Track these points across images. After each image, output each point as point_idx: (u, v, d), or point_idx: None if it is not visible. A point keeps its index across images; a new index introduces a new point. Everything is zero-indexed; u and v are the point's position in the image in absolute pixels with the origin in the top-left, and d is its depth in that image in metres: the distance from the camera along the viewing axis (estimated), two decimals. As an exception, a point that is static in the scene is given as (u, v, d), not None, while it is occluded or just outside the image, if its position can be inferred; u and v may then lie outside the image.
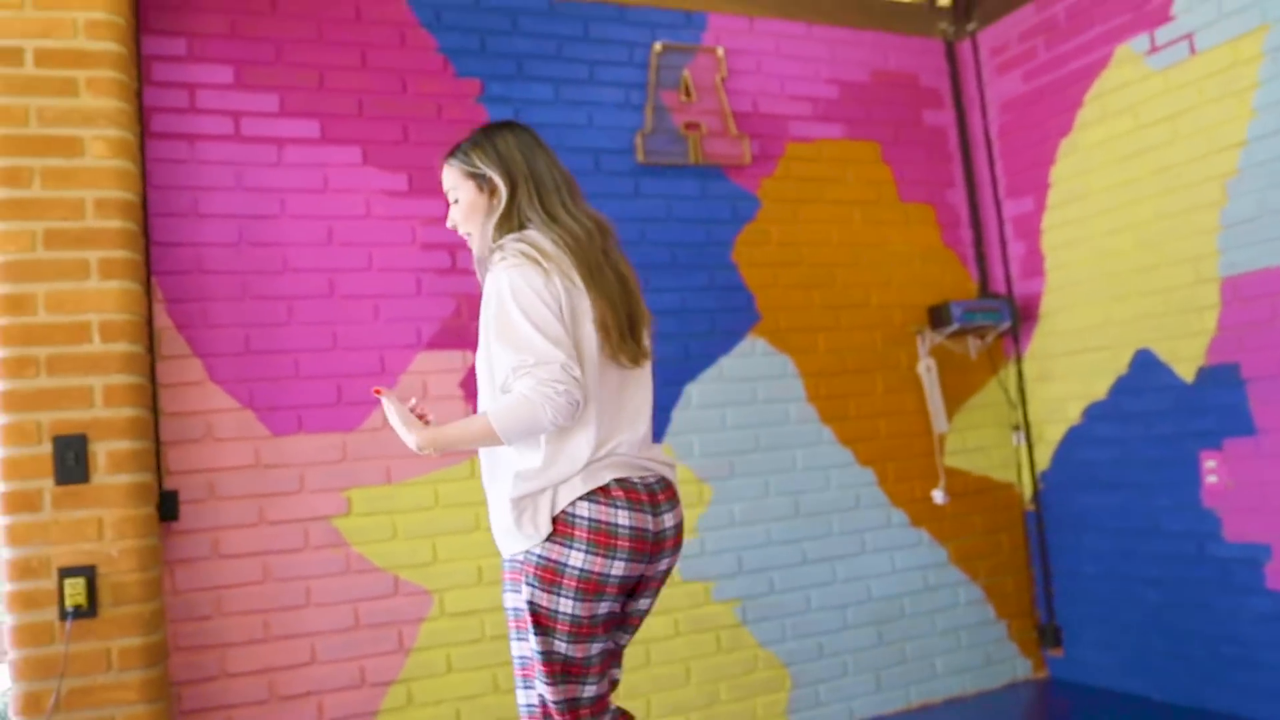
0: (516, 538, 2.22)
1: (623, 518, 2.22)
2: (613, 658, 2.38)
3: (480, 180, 2.39)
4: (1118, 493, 4.36)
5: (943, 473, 4.58)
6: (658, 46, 4.29)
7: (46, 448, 3.00)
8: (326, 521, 3.54)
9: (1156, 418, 4.21)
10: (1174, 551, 4.14)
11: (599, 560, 2.20)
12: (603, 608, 2.24)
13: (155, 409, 3.33)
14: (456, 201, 2.44)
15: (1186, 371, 4.08)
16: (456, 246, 3.76)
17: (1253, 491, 3.86)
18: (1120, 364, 4.35)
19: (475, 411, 2.46)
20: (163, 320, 3.42)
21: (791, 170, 4.51)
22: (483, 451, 2.36)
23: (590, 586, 2.20)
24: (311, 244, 3.65)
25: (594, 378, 2.25)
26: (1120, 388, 4.36)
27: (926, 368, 4.59)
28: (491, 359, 2.24)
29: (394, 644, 3.56)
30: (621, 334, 2.33)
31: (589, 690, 2.26)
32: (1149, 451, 4.24)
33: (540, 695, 2.24)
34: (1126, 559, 4.33)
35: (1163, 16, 4.09)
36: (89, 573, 2.98)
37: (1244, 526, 3.89)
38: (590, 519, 2.20)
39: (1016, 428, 4.79)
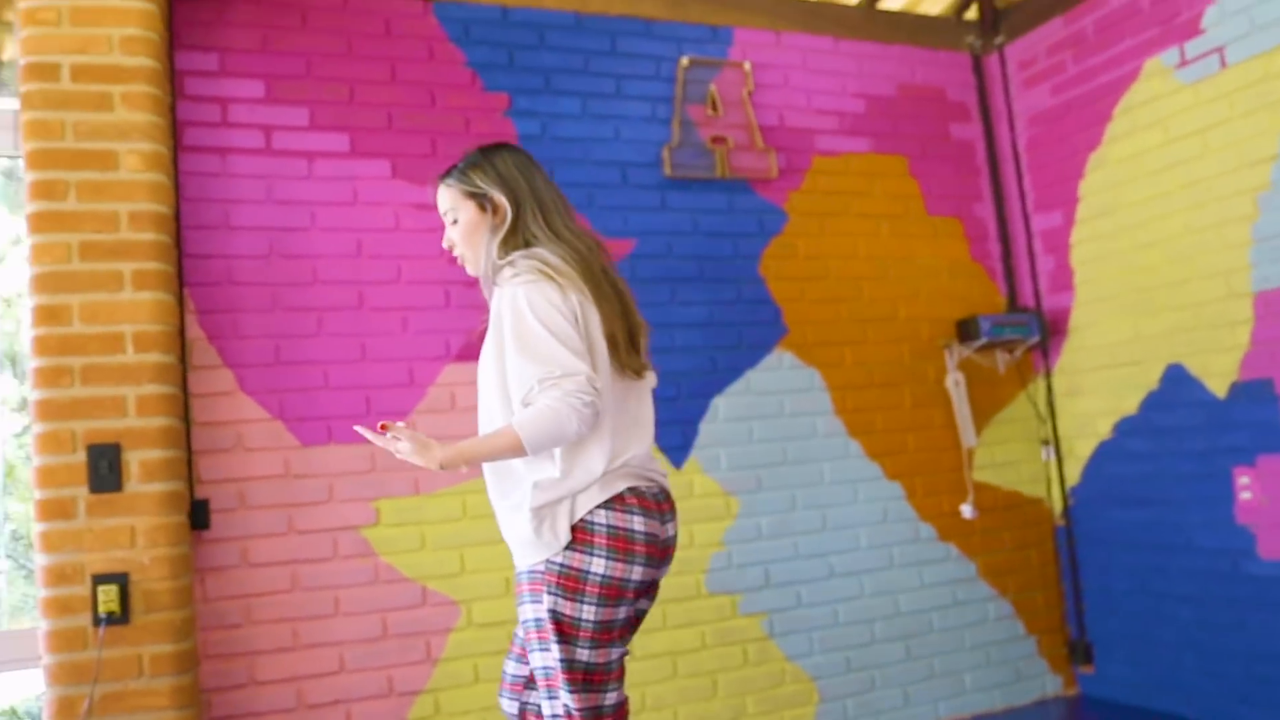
0: (536, 548, 2.25)
1: (638, 524, 2.28)
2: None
3: (482, 199, 2.42)
4: (1149, 508, 4.32)
5: (971, 487, 4.55)
6: (684, 61, 4.31)
7: (81, 456, 3.04)
8: (355, 531, 3.56)
9: (1188, 433, 4.17)
10: (1207, 568, 4.10)
11: (619, 566, 2.24)
12: (621, 613, 2.28)
13: (187, 419, 3.36)
14: (455, 222, 2.46)
15: (1219, 387, 4.05)
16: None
17: (1286, 506, 3.82)
18: (1151, 379, 4.31)
19: (478, 427, 2.46)
20: (194, 331, 3.46)
21: (818, 184, 4.51)
22: (489, 468, 2.37)
23: (612, 592, 2.24)
24: (341, 256, 3.68)
25: (608, 389, 2.29)
26: (1151, 403, 4.32)
27: (955, 382, 4.57)
28: (508, 373, 2.26)
29: (422, 654, 3.57)
30: (626, 346, 2.39)
31: (610, 697, 2.27)
32: (1181, 467, 4.20)
33: (565, 705, 2.24)
34: (1159, 575, 4.29)
35: (1193, 30, 4.08)
36: (122, 580, 3.01)
37: (1279, 544, 3.85)
38: (609, 525, 2.25)
39: (1046, 442, 4.75)
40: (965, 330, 4.59)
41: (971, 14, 4.96)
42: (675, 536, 2.43)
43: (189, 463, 3.34)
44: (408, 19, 3.91)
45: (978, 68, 4.95)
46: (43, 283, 3.09)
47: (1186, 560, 4.17)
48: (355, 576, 3.53)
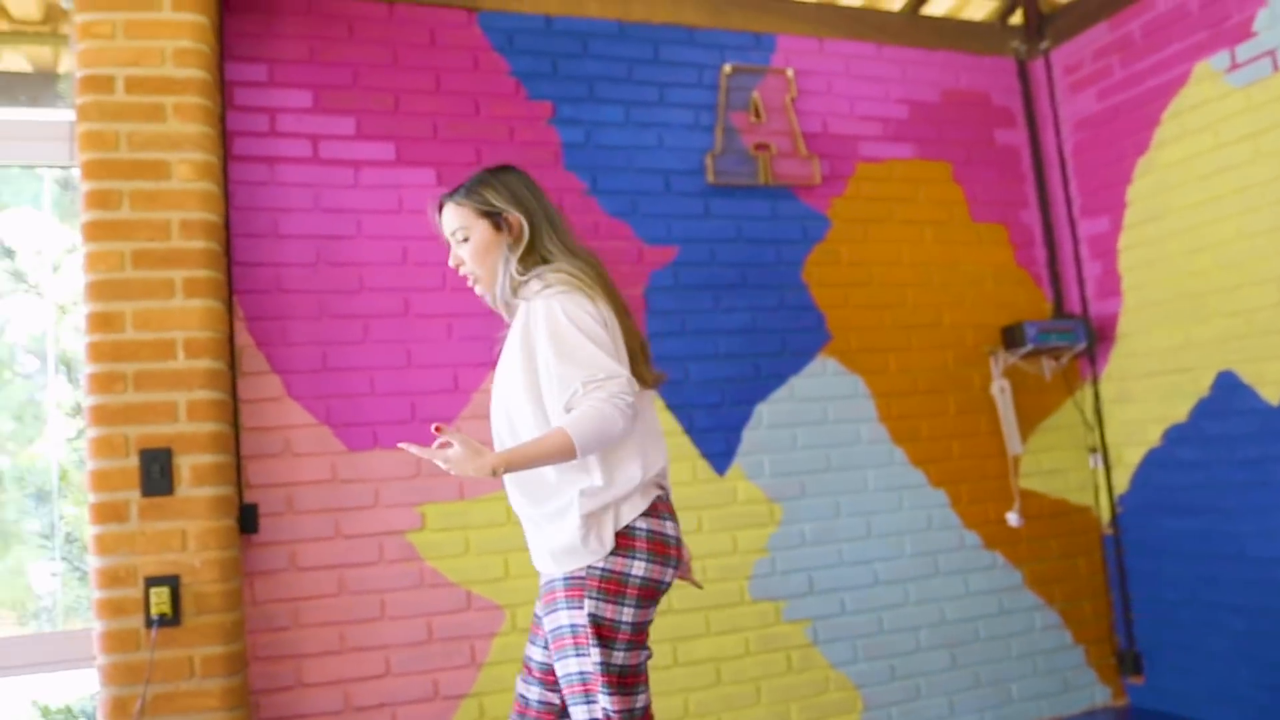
0: (580, 554, 2.28)
1: (670, 529, 2.38)
2: None
3: (496, 218, 2.46)
4: (1200, 517, 4.26)
5: (1017, 495, 4.52)
6: (727, 68, 4.32)
7: (133, 461, 3.09)
8: (401, 536, 3.59)
9: (1240, 441, 4.11)
10: (1261, 578, 4.03)
11: (657, 569, 2.32)
12: (652, 615, 2.35)
13: (236, 424, 3.41)
14: (465, 240, 2.48)
15: (1272, 394, 3.99)
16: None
17: (1341, 515, 3.76)
18: (1201, 386, 4.26)
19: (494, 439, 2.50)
20: (243, 338, 3.51)
21: (862, 190, 4.51)
22: (515, 479, 2.39)
23: (650, 594, 2.31)
24: (387, 264, 3.72)
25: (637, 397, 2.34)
26: (1202, 410, 4.27)
27: (1000, 389, 4.53)
28: (550, 379, 2.28)
29: (466, 658, 3.59)
30: (641, 358, 2.47)
31: (640, 699, 2.30)
32: (1233, 475, 4.14)
33: (604, 709, 2.25)
34: (1210, 585, 4.23)
35: (1244, 33, 4.03)
36: (173, 582, 3.06)
37: (1332, 551, 3.79)
38: (648, 531, 2.33)
39: (1094, 450, 4.71)
40: (1010, 337, 4.55)
41: (1016, 19, 4.93)
42: None
43: (238, 467, 3.39)
44: (452, 29, 3.95)
45: (1023, 73, 4.92)
46: (97, 290, 3.15)
47: (1239, 570, 4.11)
48: (401, 581, 3.56)
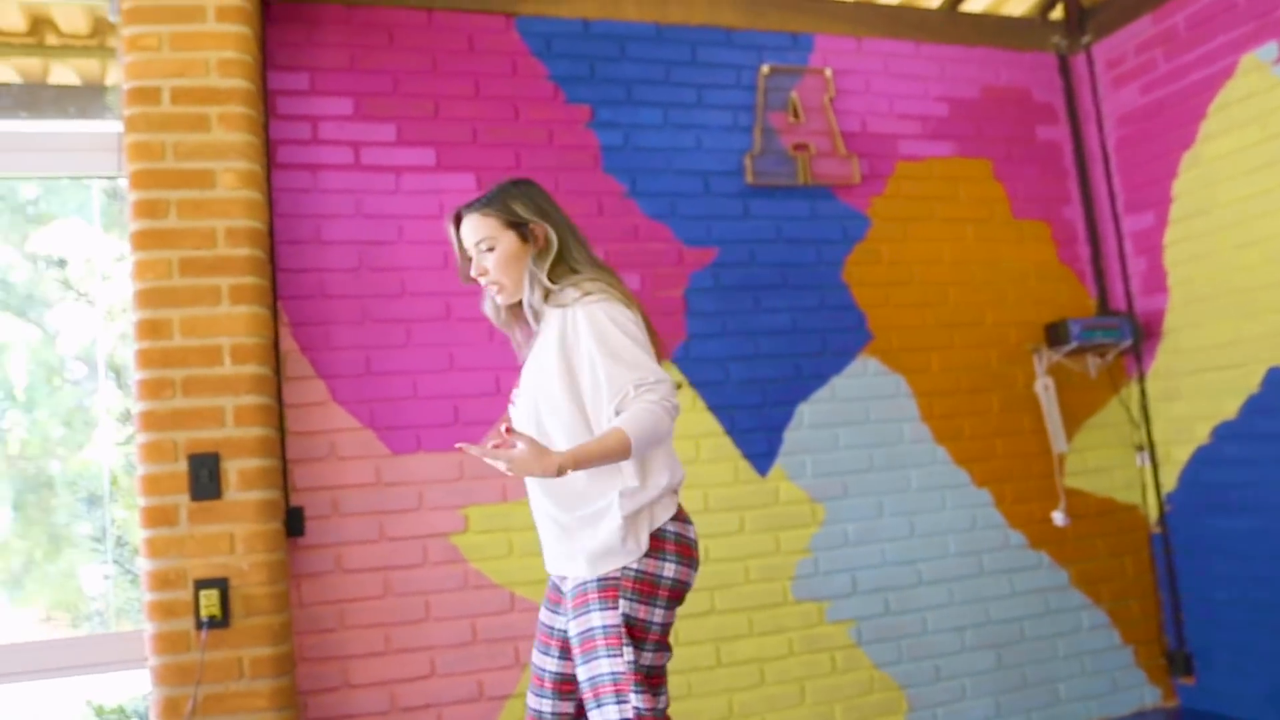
0: (617, 555, 2.32)
1: (692, 532, 2.44)
2: None
3: (523, 229, 2.48)
4: (1251, 516, 4.20)
5: (1063, 494, 4.47)
6: (765, 69, 4.32)
7: (182, 465, 3.15)
8: (445, 538, 3.62)
9: (1291, 437, 4.05)
10: (1312, 576, 3.98)
11: (685, 571, 2.38)
12: (675, 616, 2.39)
13: (282, 428, 3.46)
14: (489, 250, 2.49)
15: (1322, 389, 3.93)
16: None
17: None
18: (1251, 383, 4.20)
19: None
20: (288, 343, 3.56)
21: (901, 189, 4.49)
22: (544, 486, 2.41)
23: (677, 595, 2.37)
24: (428, 268, 3.76)
25: None
26: (1252, 407, 4.20)
27: (1044, 387, 4.50)
28: (600, 382, 2.32)
29: (510, 659, 3.62)
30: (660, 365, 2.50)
31: (663, 699, 2.33)
32: (1283, 472, 4.08)
33: (635, 708, 2.27)
34: (1262, 585, 4.16)
35: (1290, 23, 3.98)
36: (222, 585, 3.11)
37: (1386, 548, 3.72)
38: (676, 534, 2.39)
39: (1140, 448, 4.65)
40: (1054, 334, 4.51)
41: (1057, 14, 4.89)
42: None
43: (284, 471, 3.44)
44: (491, 35, 3.98)
45: (1064, 68, 4.88)
46: (146, 298, 3.20)
47: (1291, 568, 4.05)
48: (445, 582, 3.60)
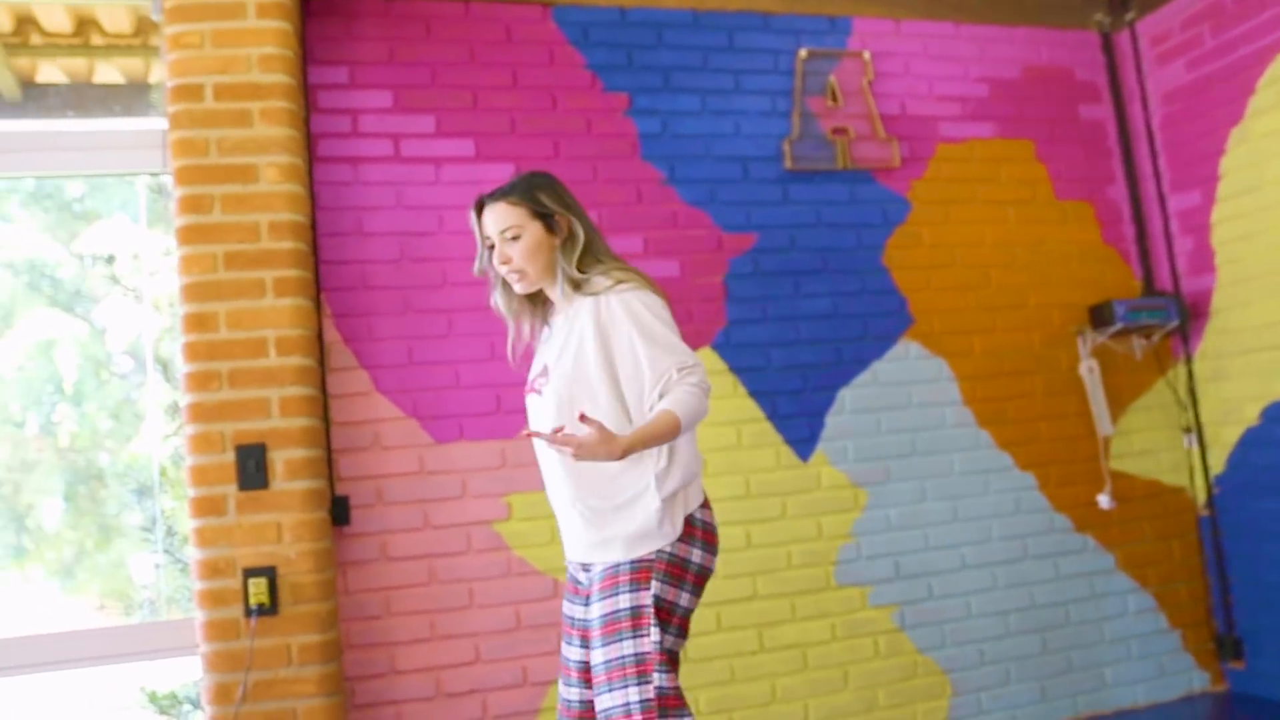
0: (654, 538, 2.37)
1: (714, 519, 2.51)
2: None
3: (549, 220, 2.52)
4: (1301, 497, 4.15)
5: (1108, 477, 4.43)
6: (803, 53, 4.30)
7: (230, 456, 3.20)
8: (488, 526, 3.66)
9: (1342, 417, 3.99)
10: (1364, 558, 3.91)
11: (709, 558, 2.45)
12: (697, 604, 2.44)
13: (326, 419, 3.51)
14: (515, 239, 2.51)
15: (1374, 368, 3.86)
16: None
17: None
18: (1302, 362, 4.14)
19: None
20: (331, 334, 3.61)
21: (942, 171, 4.45)
22: (583, 474, 2.42)
23: (701, 582, 2.43)
24: (469, 258, 3.71)
25: None
26: (1302, 386, 4.15)
27: (1089, 369, 4.45)
28: (633, 369, 2.38)
29: (553, 644, 3.64)
30: None
31: (678, 679, 2.37)
32: (1334, 453, 4.02)
33: (657, 688, 2.30)
34: (1312, 567, 4.11)
35: (1339, -6, 3.90)
36: (270, 573, 3.17)
37: None
38: (704, 522, 2.46)
39: (1188, 430, 4.59)
40: (1099, 316, 4.47)
41: (1099, -9, 4.83)
42: None
43: (329, 461, 3.49)
44: (528, 24, 3.99)
45: (1107, 46, 4.81)
46: (192, 292, 3.26)
47: (1342, 551, 3.99)
48: (489, 569, 3.64)
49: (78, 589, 3.70)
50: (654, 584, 2.34)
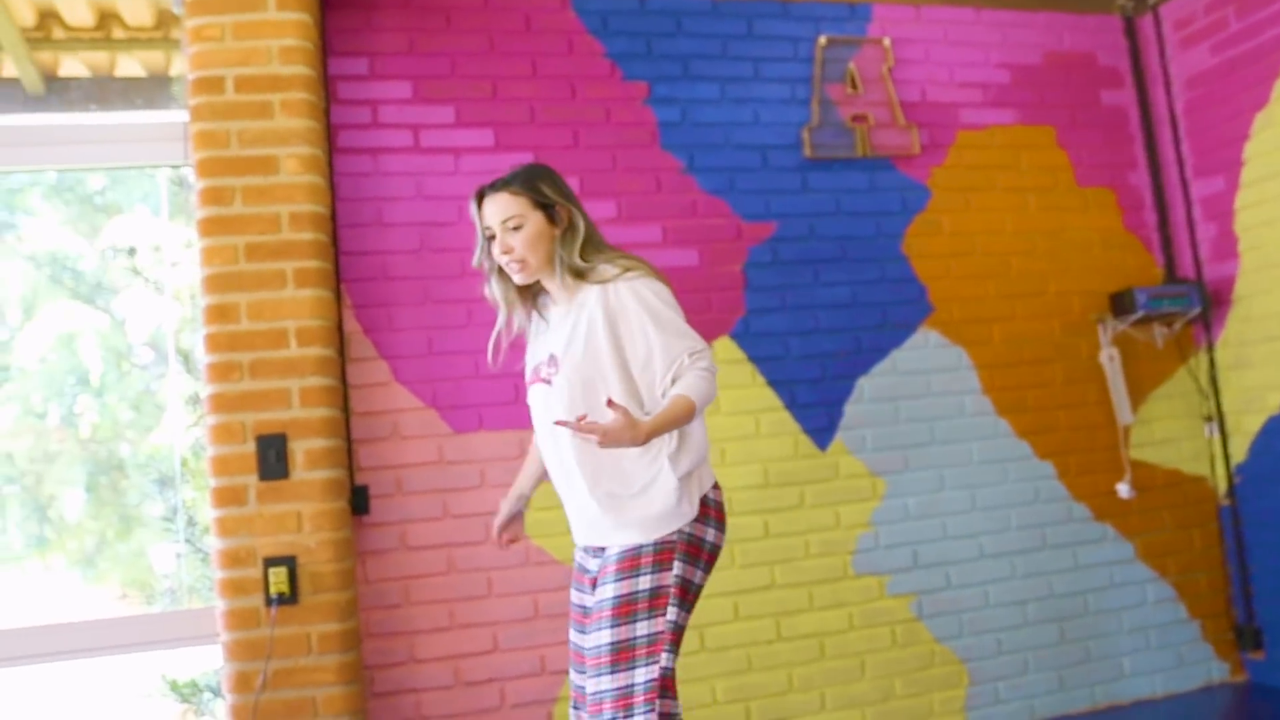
0: (673, 518, 2.42)
1: (722, 499, 2.57)
2: None
3: (551, 210, 2.54)
4: (1323, 486, 4.12)
5: (1128, 466, 4.42)
6: (822, 40, 4.28)
7: (250, 446, 3.23)
8: (506, 515, 3.68)
9: (1365, 407, 3.96)
10: (1387, 549, 3.89)
11: (720, 537, 2.52)
12: (707, 580, 2.50)
13: (346, 409, 3.53)
14: (517, 229, 2.52)
15: (1398, 357, 3.83)
16: (630, 246, 3.84)
17: None
18: (1325, 350, 4.11)
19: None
20: (351, 325, 3.63)
21: (962, 159, 4.43)
22: (601, 462, 2.44)
23: (714, 560, 2.50)
24: (488, 249, 3.78)
25: None
26: (1325, 375, 4.12)
27: (1109, 357, 4.43)
28: (645, 354, 2.42)
29: (572, 634, 3.67)
30: None
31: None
32: (1357, 443, 3.99)
33: (662, 669, 2.34)
34: (1333, 557, 4.09)
35: (1366, -21, 3.84)
36: (290, 562, 3.20)
37: None
38: (714, 500, 2.52)
39: (1209, 419, 4.57)
40: (1120, 304, 4.44)
41: (1122, -25, 4.78)
42: None
43: (349, 451, 3.51)
44: (547, 14, 3.99)
45: (1130, 30, 4.76)
46: (214, 283, 3.28)
47: (1364, 541, 3.97)
48: (507, 559, 3.65)
49: (99, 578, 3.75)
50: (677, 564, 2.40)
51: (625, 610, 2.36)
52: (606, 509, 2.45)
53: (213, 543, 3.22)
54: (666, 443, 2.42)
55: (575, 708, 2.59)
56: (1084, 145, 4.62)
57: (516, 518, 2.87)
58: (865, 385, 4.17)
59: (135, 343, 3.85)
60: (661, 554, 2.39)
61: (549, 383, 2.53)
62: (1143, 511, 4.43)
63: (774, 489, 3.98)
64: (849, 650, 3.98)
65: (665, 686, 2.33)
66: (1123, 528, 4.39)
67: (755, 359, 4.04)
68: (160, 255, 3.79)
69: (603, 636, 2.36)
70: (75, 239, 3.83)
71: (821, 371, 4.11)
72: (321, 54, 3.62)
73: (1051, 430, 4.36)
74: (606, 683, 2.33)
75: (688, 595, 2.42)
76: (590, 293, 2.48)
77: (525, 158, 3.85)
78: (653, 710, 2.30)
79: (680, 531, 2.42)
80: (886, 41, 4.37)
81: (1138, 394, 4.49)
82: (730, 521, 3.77)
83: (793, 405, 4.06)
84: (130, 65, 3.79)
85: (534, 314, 2.68)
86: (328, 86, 3.68)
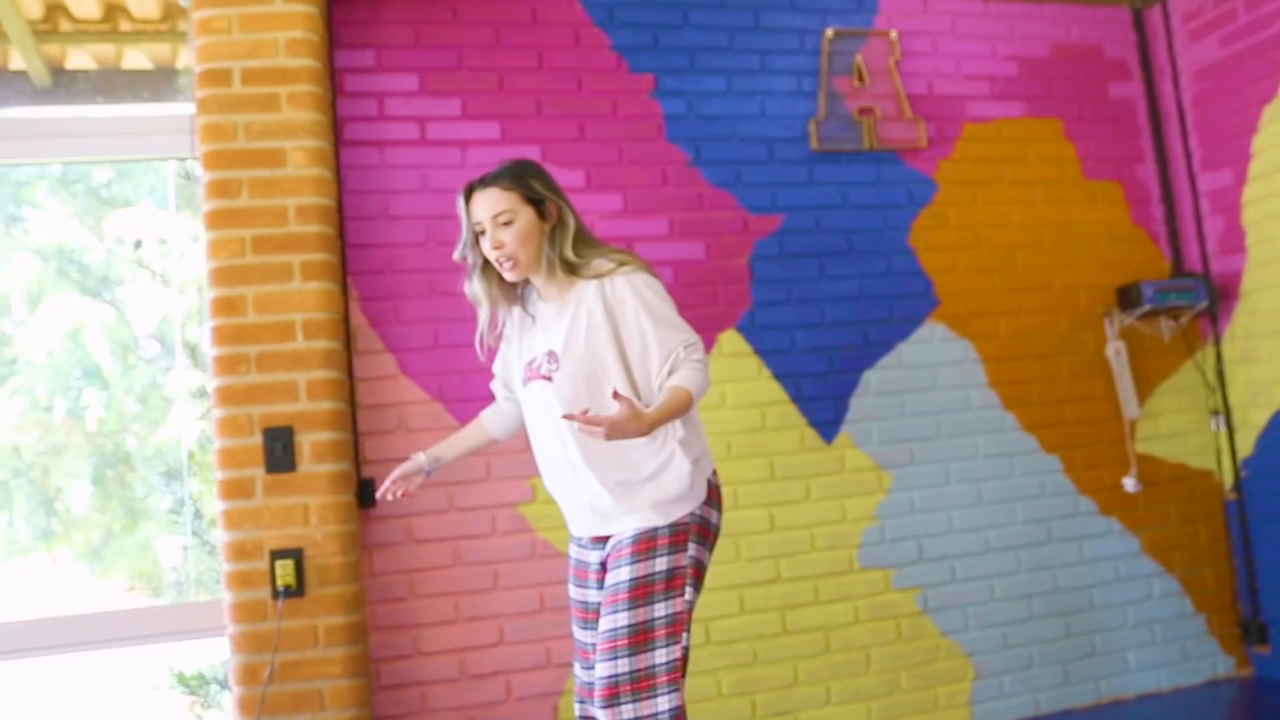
0: (686, 500, 2.47)
1: (719, 482, 2.63)
2: None
3: (541, 206, 2.53)
4: (1329, 481, 4.11)
5: (1134, 460, 4.41)
6: (829, 32, 4.27)
7: (257, 439, 3.24)
8: (513, 508, 3.68)
9: (1372, 401, 3.95)
10: (1393, 544, 3.88)
11: (720, 518, 2.58)
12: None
13: (353, 402, 3.53)
14: (508, 224, 2.51)
15: (1406, 352, 3.82)
16: (637, 239, 3.86)
17: None
18: (1332, 344, 4.10)
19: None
20: (358, 318, 3.62)
21: (969, 151, 4.42)
22: (610, 453, 2.45)
23: (715, 540, 2.56)
24: (494, 242, 3.78)
25: None
26: (1332, 370, 4.11)
27: (1115, 351, 4.42)
28: (641, 347, 2.45)
29: (577, 627, 3.68)
30: None
31: None
32: (1364, 437, 3.98)
33: (684, 648, 2.38)
34: (1339, 551, 4.08)
35: (1377, -29, 3.83)
36: (297, 555, 3.21)
37: None
38: (716, 484, 2.59)
39: (1216, 413, 4.56)
40: (1126, 297, 4.43)
41: (1132, -33, 4.76)
42: None
43: (355, 444, 3.52)
44: (554, 6, 3.98)
45: (1138, 22, 4.75)
46: (220, 276, 3.29)
47: (1370, 536, 3.96)
48: (513, 552, 3.66)
49: (106, 571, 3.76)
50: (691, 546, 2.45)
51: (643, 592, 2.37)
52: (619, 497, 2.47)
53: (219, 535, 3.23)
54: (674, 430, 2.46)
55: (581, 702, 2.60)
56: (1091, 138, 4.61)
57: (418, 475, 2.80)
58: (871, 378, 4.16)
59: (142, 335, 3.86)
60: (677, 535, 2.43)
61: (550, 379, 2.52)
62: (1149, 506, 4.42)
63: (780, 482, 3.98)
64: (854, 644, 3.98)
65: (683, 665, 2.38)
66: (1129, 522, 4.39)
67: (761, 352, 4.04)
68: (167, 248, 3.79)
69: (619, 619, 2.35)
70: (82, 232, 3.83)
71: (828, 365, 4.11)
72: (328, 46, 3.61)
73: (1058, 424, 4.36)
74: (624, 665, 2.32)
75: (700, 575, 2.48)
76: (587, 288, 2.49)
77: (532, 150, 3.85)
78: (677, 690, 2.32)
79: (692, 514, 2.47)
80: (893, 34, 4.36)
81: (1144, 388, 4.49)
82: (736, 515, 3.82)
83: (799, 398, 4.06)
84: (137, 58, 3.79)
85: (517, 311, 2.66)
86: (334, 79, 3.67)
